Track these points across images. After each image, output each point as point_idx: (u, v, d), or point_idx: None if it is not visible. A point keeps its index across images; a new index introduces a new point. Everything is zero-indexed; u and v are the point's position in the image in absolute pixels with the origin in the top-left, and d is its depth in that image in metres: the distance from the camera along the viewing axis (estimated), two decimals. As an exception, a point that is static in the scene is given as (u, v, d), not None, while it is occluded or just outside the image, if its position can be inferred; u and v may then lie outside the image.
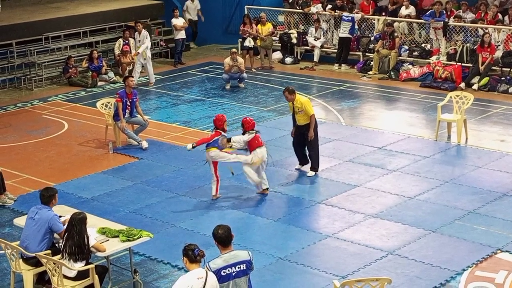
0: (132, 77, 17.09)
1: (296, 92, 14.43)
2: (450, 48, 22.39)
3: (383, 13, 24.52)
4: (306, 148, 14.69)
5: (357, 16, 23.79)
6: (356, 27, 24.18)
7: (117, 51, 23.35)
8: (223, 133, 13.43)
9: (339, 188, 13.93)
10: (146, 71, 22.31)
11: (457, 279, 10.63)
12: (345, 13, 23.62)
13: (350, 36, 23.57)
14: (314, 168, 14.64)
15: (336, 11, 24.33)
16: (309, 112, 14.22)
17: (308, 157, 14.75)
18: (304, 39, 24.84)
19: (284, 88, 14.84)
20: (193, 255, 8.00)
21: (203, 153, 15.74)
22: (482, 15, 22.67)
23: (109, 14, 24.94)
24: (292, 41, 25.05)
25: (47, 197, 10.25)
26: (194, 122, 18.19)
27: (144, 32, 22.22)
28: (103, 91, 21.62)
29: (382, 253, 11.40)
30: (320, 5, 25.28)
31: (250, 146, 13.40)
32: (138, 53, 21.82)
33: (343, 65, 23.70)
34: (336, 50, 24.08)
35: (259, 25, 24.12)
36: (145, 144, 16.28)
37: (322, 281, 10.59)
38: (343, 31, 23.43)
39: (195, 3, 26.79)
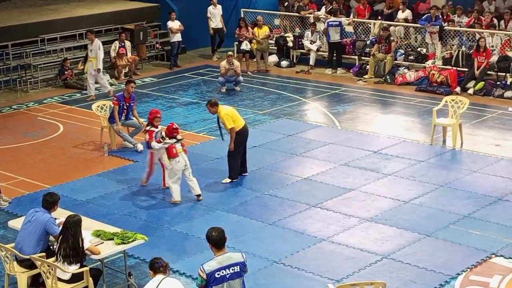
0: (134, 82, 16.85)
1: (219, 104, 14.26)
2: (445, 52, 22.42)
3: (379, 17, 24.55)
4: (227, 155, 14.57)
5: (345, 21, 23.76)
6: (352, 30, 24.21)
7: (113, 54, 23.37)
8: (155, 130, 13.61)
9: (334, 191, 13.93)
10: (100, 84, 21.20)
11: (452, 283, 10.64)
12: (332, 18, 23.63)
13: (340, 40, 23.57)
14: (230, 176, 14.50)
15: (332, 15, 24.35)
16: (227, 126, 14.12)
17: (244, 167, 14.69)
18: (300, 43, 24.85)
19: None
20: (157, 267, 8.43)
21: (197, 156, 15.80)
22: (475, 20, 22.68)
23: (105, 16, 24.94)
24: (288, 44, 25.08)
25: (51, 202, 10.22)
26: (190, 125, 18.18)
27: (97, 42, 20.85)
28: (99, 94, 21.58)
29: (377, 257, 11.40)
30: (324, 8, 25.20)
31: (168, 154, 13.39)
32: (99, 69, 20.61)
33: (338, 69, 23.70)
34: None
35: (255, 28, 24.14)
36: (140, 147, 16.26)
37: (317, 285, 10.59)
38: (334, 37, 23.40)
39: (218, 8, 25.46)
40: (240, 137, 14.31)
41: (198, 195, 13.61)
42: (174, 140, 13.31)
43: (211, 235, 8.24)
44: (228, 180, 14.47)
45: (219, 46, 26.10)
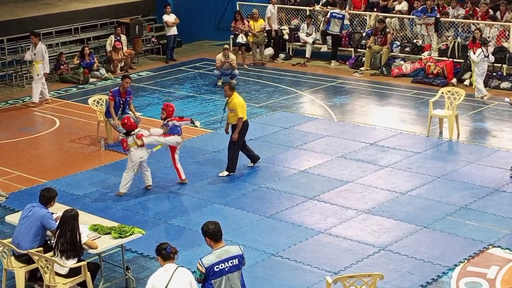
0: (130, 78, 16.77)
1: (235, 91, 14.42)
2: (441, 44, 22.41)
3: (375, 9, 24.52)
4: (227, 147, 14.60)
5: (347, 15, 23.75)
6: (348, 22, 24.19)
7: (108, 48, 23.34)
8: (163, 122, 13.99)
9: (331, 184, 13.94)
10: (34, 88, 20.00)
11: (449, 274, 10.66)
12: (336, 10, 23.62)
13: (339, 33, 23.57)
14: (228, 168, 14.56)
15: (328, 7, 24.33)
16: (237, 114, 14.18)
17: (253, 154, 14.78)
18: (296, 35, 24.82)
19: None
20: (166, 253, 8.15)
21: (195, 150, 15.79)
22: (471, 12, 22.68)
23: (101, 10, 24.91)
24: (284, 37, 25.04)
25: (48, 198, 10.21)
26: (186, 119, 18.16)
27: (41, 46, 19.93)
28: (95, 88, 21.57)
29: (374, 249, 11.41)
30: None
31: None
32: (47, 73, 19.97)
33: (332, 61, 23.69)
34: (328, 46, 24.10)
35: (251, 21, 24.09)
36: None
37: (315, 277, 10.60)
38: (334, 29, 23.41)
39: (276, 7, 24.66)
40: (244, 129, 14.38)
41: (148, 185, 13.89)
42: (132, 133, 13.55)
43: (208, 229, 8.22)
44: (225, 173, 14.47)
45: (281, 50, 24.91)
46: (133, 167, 13.55)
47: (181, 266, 8.25)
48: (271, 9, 24.48)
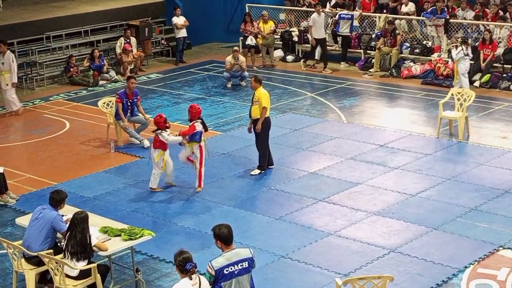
0: (134, 78, 16.92)
1: (261, 84, 14.56)
2: (451, 45, 22.36)
3: (384, 11, 24.50)
4: (256, 146, 14.72)
5: (356, 14, 23.75)
6: (358, 24, 24.18)
7: (118, 50, 23.39)
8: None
9: (340, 186, 13.93)
10: (7, 99, 19.50)
11: (459, 276, 10.63)
12: (344, 11, 23.62)
13: (349, 34, 23.56)
14: (260, 166, 14.66)
15: (337, 8, 24.33)
16: (261, 104, 14.28)
17: (270, 157, 14.84)
18: (305, 37, 24.81)
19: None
20: (184, 270, 8.00)
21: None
22: (481, 13, 22.64)
23: (111, 12, 24.97)
24: (293, 39, 25.04)
25: (58, 200, 10.24)
26: (196, 121, 18.17)
27: (10, 54, 19.31)
28: (105, 90, 21.63)
29: (384, 250, 11.39)
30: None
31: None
32: (15, 83, 19.37)
33: (342, 63, 23.67)
34: (337, 48, 24.11)
35: (261, 23, 24.11)
36: (147, 143, 16.26)
37: (324, 279, 10.59)
38: (344, 30, 23.42)
39: (322, 16, 22.91)
40: (267, 125, 14.49)
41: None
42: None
43: (221, 232, 8.19)
44: (257, 172, 14.55)
45: (323, 59, 23.29)
46: (155, 165, 13.76)
47: (200, 275, 8.20)
48: (315, 17, 22.75)
